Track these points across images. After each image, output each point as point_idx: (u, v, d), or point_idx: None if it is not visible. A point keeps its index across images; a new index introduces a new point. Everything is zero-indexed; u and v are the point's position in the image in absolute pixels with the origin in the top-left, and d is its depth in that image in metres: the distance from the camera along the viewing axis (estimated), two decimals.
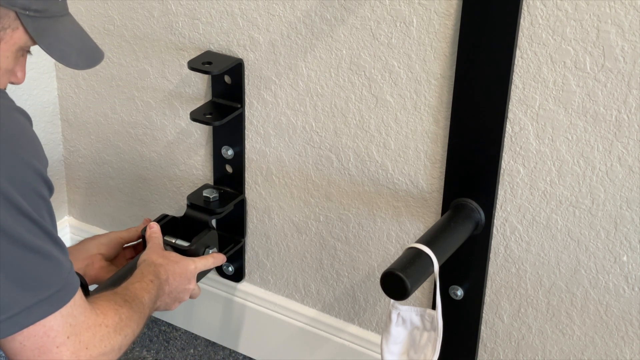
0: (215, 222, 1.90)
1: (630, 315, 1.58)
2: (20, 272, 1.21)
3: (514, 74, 1.50)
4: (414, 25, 1.57)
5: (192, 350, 2.09)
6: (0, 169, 1.18)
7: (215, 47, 1.80)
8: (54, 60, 2.01)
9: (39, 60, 1.98)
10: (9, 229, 1.19)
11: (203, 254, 1.74)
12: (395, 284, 1.43)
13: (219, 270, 2.00)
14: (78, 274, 1.54)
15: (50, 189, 1.27)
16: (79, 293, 1.30)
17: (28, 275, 1.22)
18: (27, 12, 1.23)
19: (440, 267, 1.49)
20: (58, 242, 1.27)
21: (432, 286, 1.74)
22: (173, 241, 1.75)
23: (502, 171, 1.58)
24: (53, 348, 1.26)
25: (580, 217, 1.55)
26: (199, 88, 1.86)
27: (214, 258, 1.73)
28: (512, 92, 1.52)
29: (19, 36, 1.25)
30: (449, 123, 1.60)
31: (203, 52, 1.81)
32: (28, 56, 1.33)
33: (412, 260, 1.46)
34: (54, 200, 2.15)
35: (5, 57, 1.26)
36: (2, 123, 1.21)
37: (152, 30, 1.86)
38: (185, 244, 1.74)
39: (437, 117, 1.61)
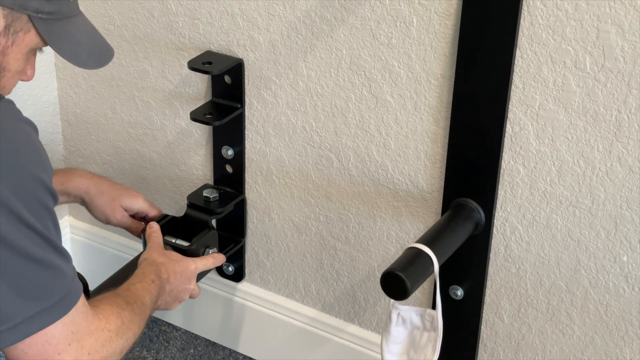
0: (215, 222, 1.90)
1: (630, 315, 1.58)
2: (22, 282, 1.21)
3: (514, 74, 1.50)
4: (414, 25, 1.57)
5: (192, 350, 2.09)
6: (4, 180, 1.18)
7: (215, 47, 1.80)
8: (54, 60, 2.02)
9: (39, 60, 1.98)
10: (11, 239, 1.19)
11: (203, 254, 1.74)
12: (395, 284, 1.43)
13: (219, 270, 2.00)
14: (80, 276, 1.54)
15: (55, 199, 1.27)
16: (82, 299, 1.30)
17: (29, 285, 1.22)
18: (40, 15, 1.22)
19: (440, 267, 1.49)
20: (62, 252, 1.27)
21: (432, 286, 1.74)
22: (173, 241, 1.75)
23: (502, 171, 1.58)
24: (55, 355, 1.26)
25: (580, 217, 1.55)
26: (199, 88, 1.86)
27: (214, 258, 1.73)
28: (512, 92, 1.52)
29: (30, 38, 1.25)
30: (449, 123, 1.60)
31: (203, 52, 1.80)
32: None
33: (412, 260, 1.46)
34: None
35: (17, 60, 1.25)
36: (8, 134, 1.21)
37: (152, 30, 1.86)
38: (185, 244, 1.74)
39: (437, 117, 1.61)
